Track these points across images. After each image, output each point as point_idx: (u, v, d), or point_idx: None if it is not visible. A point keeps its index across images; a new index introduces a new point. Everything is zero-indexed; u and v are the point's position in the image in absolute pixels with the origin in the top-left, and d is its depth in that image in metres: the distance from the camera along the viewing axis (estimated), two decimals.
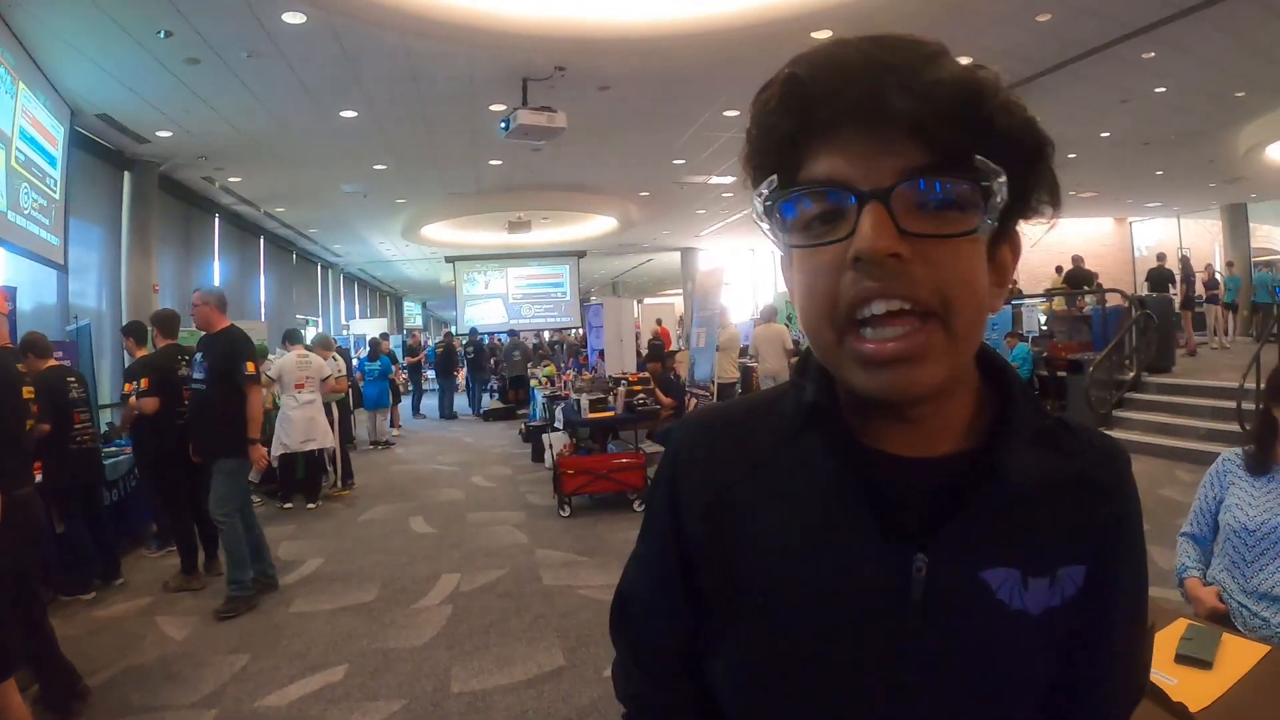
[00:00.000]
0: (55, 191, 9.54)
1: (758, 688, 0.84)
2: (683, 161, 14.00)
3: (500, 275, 23.87)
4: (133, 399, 6.62)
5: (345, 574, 6.76)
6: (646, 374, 10.80)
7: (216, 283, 16.14)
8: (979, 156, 0.67)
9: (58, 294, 10.66)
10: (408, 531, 8.14)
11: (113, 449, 7.99)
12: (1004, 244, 0.77)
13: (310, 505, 9.38)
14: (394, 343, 20.66)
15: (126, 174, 12.31)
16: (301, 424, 8.93)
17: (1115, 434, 9.98)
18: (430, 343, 25.98)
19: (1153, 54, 9.55)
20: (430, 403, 20.61)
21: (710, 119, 11.26)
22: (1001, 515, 0.78)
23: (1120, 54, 9.46)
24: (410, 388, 20.56)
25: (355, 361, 15.49)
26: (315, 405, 9.07)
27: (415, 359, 20.76)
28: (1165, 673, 2.11)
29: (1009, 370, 0.85)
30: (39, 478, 5.23)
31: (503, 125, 9.66)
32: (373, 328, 23.04)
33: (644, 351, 13.87)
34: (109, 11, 7.54)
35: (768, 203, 0.75)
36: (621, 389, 9.52)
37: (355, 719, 4.30)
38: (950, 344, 0.71)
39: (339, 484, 10.12)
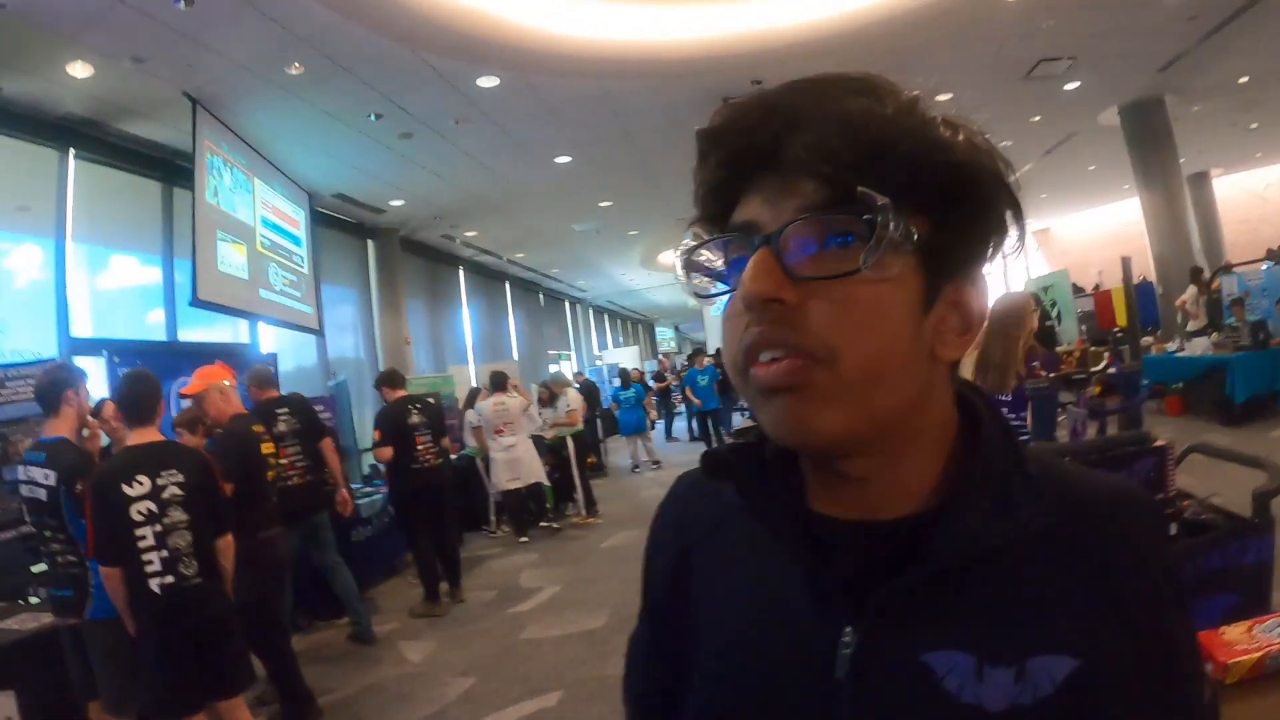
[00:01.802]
0: (303, 266, 10.63)
1: None
2: None
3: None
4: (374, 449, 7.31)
5: (579, 601, 6.95)
6: None
7: (466, 329, 17.35)
8: (861, 189, 0.63)
9: (318, 355, 11.79)
10: None
11: (369, 489, 8.77)
12: (953, 282, 0.69)
13: (544, 525, 9.84)
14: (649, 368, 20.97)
15: (370, 241, 13.56)
16: (506, 465, 9.33)
17: None
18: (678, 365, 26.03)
19: None
20: (680, 425, 20.55)
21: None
22: (950, 588, 0.68)
23: None
24: (661, 414, 20.46)
25: (609, 390, 15.82)
26: (519, 447, 9.41)
27: (664, 384, 20.63)
28: None
29: (987, 419, 0.74)
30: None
31: None
32: (625, 357, 23.68)
33: None
34: (321, 106, 8.43)
35: (684, 255, 0.77)
36: None
37: None
38: (844, 390, 0.65)
39: (584, 512, 10.39)
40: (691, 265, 0.77)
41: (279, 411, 6.16)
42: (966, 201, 0.67)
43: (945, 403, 0.74)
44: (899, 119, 0.66)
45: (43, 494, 3.80)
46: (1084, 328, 15.49)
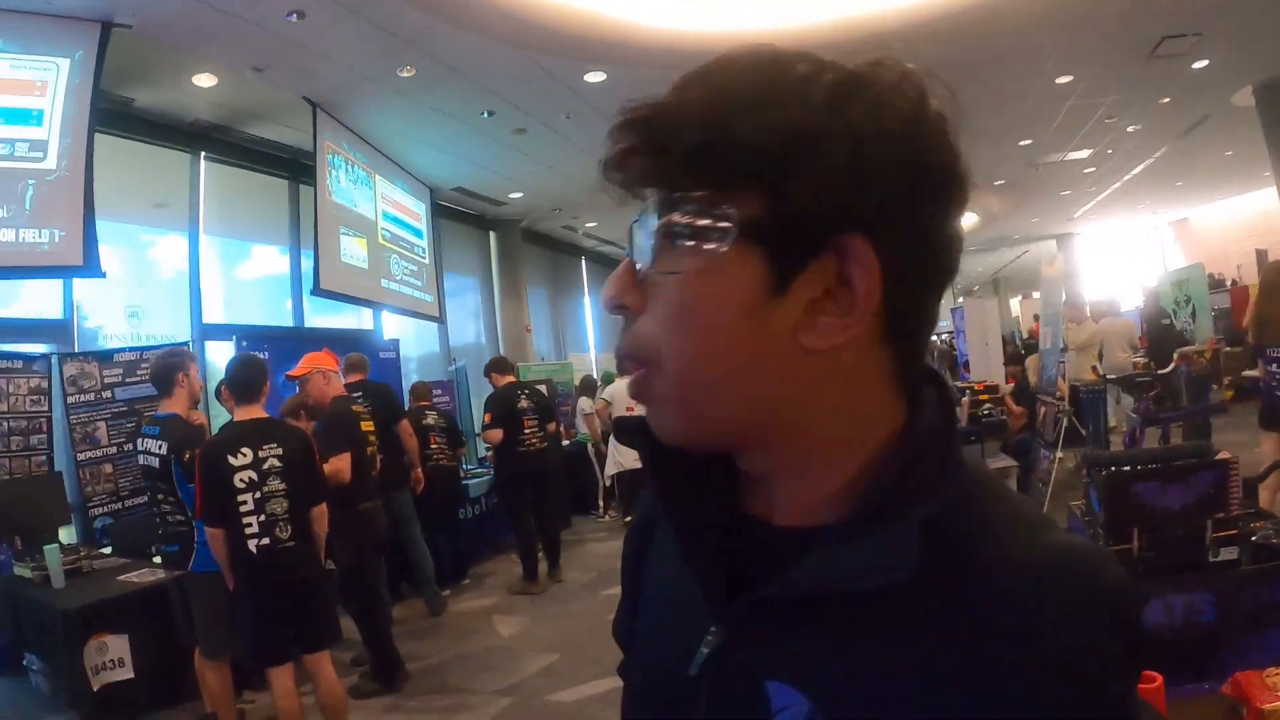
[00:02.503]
0: (424, 257, 11.08)
1: None
2: (1030, 141, 12.88)
3: None
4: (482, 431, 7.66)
5: None
6: (994, 382, 10.03)
7: (588, 318, 17.73)
8: (681, 208, 0.61)
9: (439, 341, 12.24)
10: None
11: (480, 470, 9.13)
12: (818, 259, 0.60)
13: None
14: None
15: (491, 233, 13.95)
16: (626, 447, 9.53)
17: None
18: None
19: None
20: None
21: (1042, 90, 10.30)
22: (809, 618, 0.62)
23: None
24: None
25: None
26: None
27: None
28: None
29: (917, 427, 0.65)
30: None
31: None
32: None
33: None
34: (434, 106, 8.75)
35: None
36: (965, 400, 8.87)
37: None
38: (672, 394, 0.64)
39: None
40: None
41: (354, 395, 6.43)
42: (798, 168, 0.58)
43: (860, 400, 0.64)
44: (721, 98, 0.61)
45: (155, 462, 4.33)
46: (1220, 326, 14.47)
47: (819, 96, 0.59)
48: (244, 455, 3.87)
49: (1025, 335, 18.32)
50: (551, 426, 7.85)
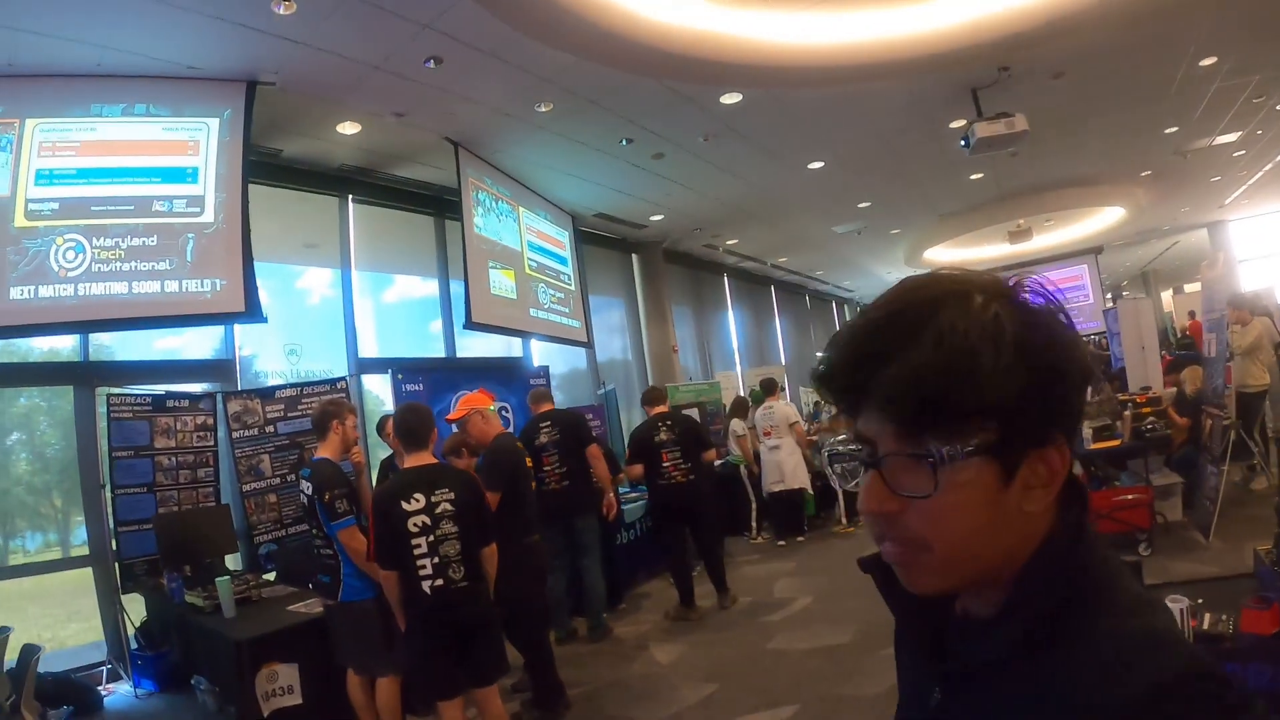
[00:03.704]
0: (570, 284, 11.08)
1: None
2: (1175, 129, 11.93)
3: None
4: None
5: (829, 615, 6.73)
6: (1156, 393, 9.18)
7: (733, 334, 17.44)
8: (930, 438, 0.79)
9: (587, 364, 12.23)
10: None
11: (634, 494, 9.01)
12: (1029, 461, 0.81)
13: (799, 538, 9.62)
14: None
15: (634, 255, 13.88)
16: (771, 467, 9.42)
17: None
18: None
19: None
20: None
21: (1187, 74, 9.48)
22: (984, 678, 0.84)
23: None
24: None
25: None
26: (783, 450, 9.37)
27: None
28: None
29: (1052, 547, 0.84)
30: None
31: (963, 143, 9.02)
32: None
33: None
34: (574, 137, 8.76)
35: (829, 454, 0.96)
36: (1128, 414, 8.11)
37: None
38: (940, 567, 0.83)
39: (845, 520, 10.02)
40: (835, 459, 0.96)
41: (542, 425, 6.66)
42: (1026, 407, 0.78)
43: (1038, 531, 0.84)
44: (952, 362, 0.77)
45: (306, 501, 4.56)
46: None
47: (1026, 337, 0.79)
48: (416, 501, 3.95)
49: (1179, 333, 16.99)
50: (708, 455, 7.63)
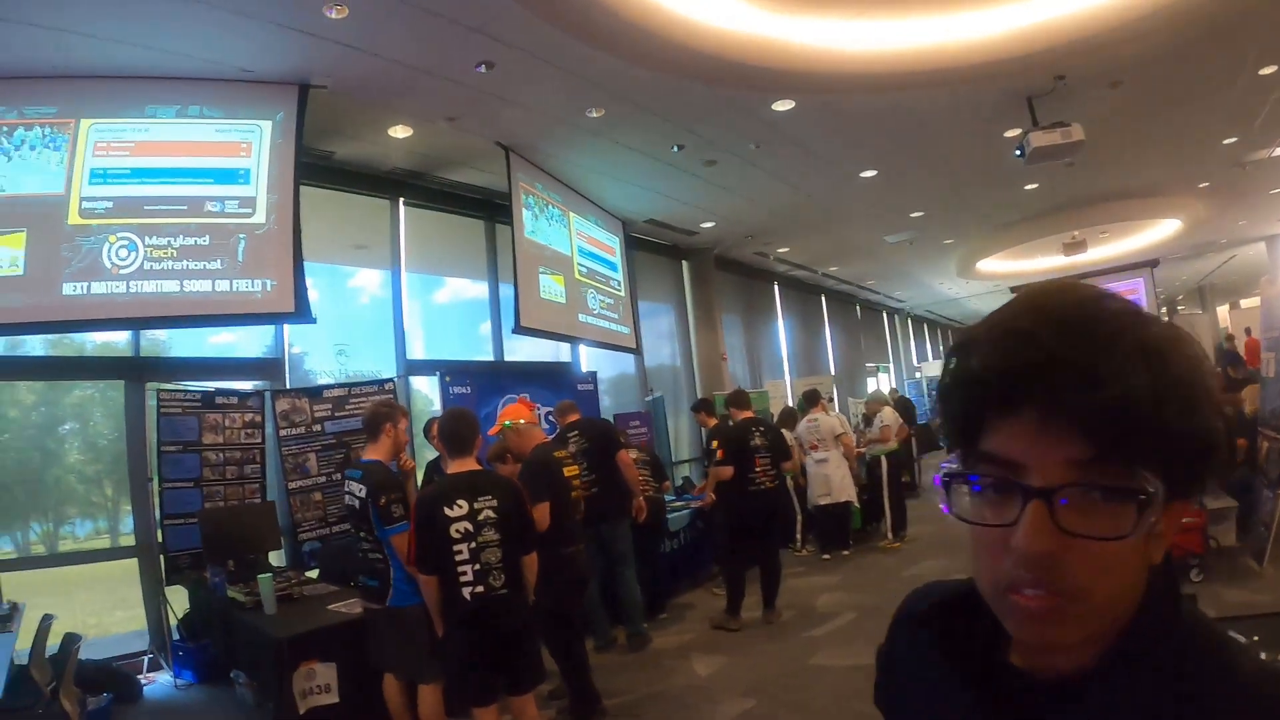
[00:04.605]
0: (620, 290, 10.96)
1: None
2: (1234, 139, 11.44)
3: None
4: (710, 465, 7.45)
5: (873, 631, 6.43)
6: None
7: (782, 343, 17.21)
8: (1143, 471, 0.68)
9: (635, 370, 12.11)
10: None
11: (679, 503, 8.85)
12: (1174, 508, 0.73)
13: (844, 552, 9.38)
14: None
15: (684, 262, 13.72)
16: (818, 480, 9.17)
17: None
18: None
19: None
20: None
21: (1246, 83, 9.09)
22: None
23: None
24: None
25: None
26: (830, 463, 9.16)
27: None
28: None
29: (1151, 600, 0.76)
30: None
31: (1018, 152, 8.78)
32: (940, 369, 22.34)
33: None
34: (624, 143, 8.64)
35: (946, 477, 0.78)
36: None
37: None
38: (1088, 617, 0.72)
39: (890, 535, 9.80)
40: (950, 487, 0.78)
41: (570, 435, 6.57)
42: (1211, 451, 0.72)
43: (1144, 580, 0.76)
44: (1183, 391, 0.69)
45: (356, 503, 4.43)
46: None
47: (1197, 378, 0.71)
48: (459, 507, 3.89)
49: (1225, 348, 16.39)
50: (788, 465, 7.53)
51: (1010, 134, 9.40)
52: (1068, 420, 0.68)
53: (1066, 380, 0.68)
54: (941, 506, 0.78)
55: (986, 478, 0.74)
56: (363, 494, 4.34)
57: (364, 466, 4.46)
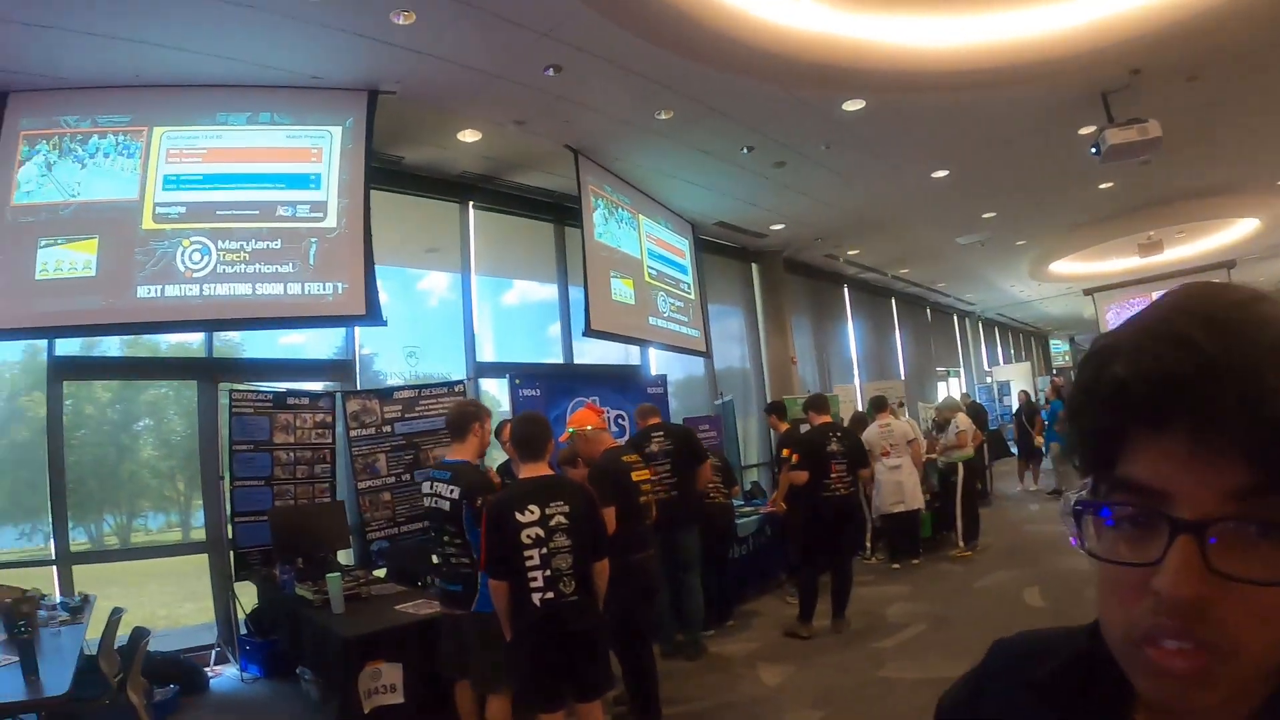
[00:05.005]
0: (690, 293, 10.80)
1: None
2: None
3: (1144, 303, 20.47)
4: (784, 470, 7.29)
5: (944, 643, 6.28)
6: None
7: (852, 347, 16.85)
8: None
9: (704, 373, 11.94)
10: (1018, 603, 7.28)
11: (748, 508, 8.68)
12: None
13: (914, 561, 9.08)
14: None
15: (754, 265, 13.49)
16: (890, 488, 8.79)
17: None
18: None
19: None
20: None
21: None
22: None
23: None
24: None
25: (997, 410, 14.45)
26: (902, 470, 8.84)
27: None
28: None
29: None
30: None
31: (1093, 150, 8.37)
32: (1015, 374, 21.66)
33: None
34: (694, 145, 8.47)
35: (1077, 507, 0.66)
36: None
37: None
38: (1236, 677, 0.59)
39: (962, 544, 9.45)
40: (1082, 518, 0.65)
41: (654, 435, 6.45)
42: None
43: None
44: None
45: (446, 505, 4.29)
46: None
47: None
48: (531, 512, 3.78)
49: None
50: (864, 472, 7.28)
51: (1085, 131, 9.00)
52: (1228, 440, 0.56)
53: (1228, 391, 0.56)
54: (1071, 540, 0.66)
55: (1124, 508, 0.62)
56: (454, 494, 4.23)
57: (453, 467, 4.35)
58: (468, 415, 4.47)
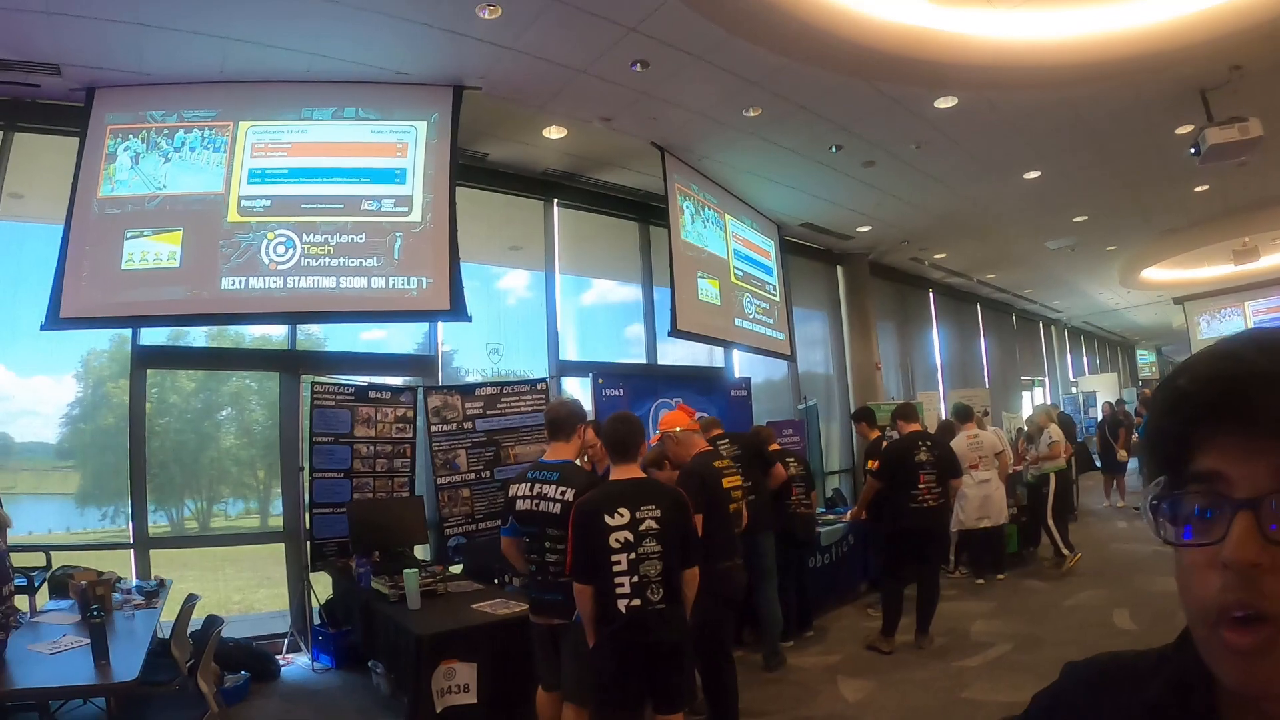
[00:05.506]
0: (775, 295, 10.50)
1: None
2: None
3: (1236, 311, 19.08)
4: (867, 478, 7.04)
5: (1030, 664, 5.88)
6: None
7: (936, 353, 16.27)
8: None
9: (787, 376, 11.63)
10: (1107, 624, 6.82)
11: (830, 515, 8.38)
12: None
13: (999, 576, 8.60)
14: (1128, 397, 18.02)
15: (839, 267, 13.07)
16: (976, 501, 8.30)
17: None
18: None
19: None
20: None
21: None
22: None
23: None
24: None
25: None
26: (990, 484, 8.37)
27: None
28: None
29: None
30: None
31: (1192, 150, 7.84)
32: (1101, 385, 20.68)
33: None
34: (781, 143, 8.16)
35: (1154, 501, 0.71)
36: None
37: None
38: None
39: (1067, 552, 8.88)
40: (1159, 511, 0.71)
41: (720, 443, 6.16)
42: None
43: None
44: None
45: (556, 508, 3.97)
46: None
47: None
48: (621, 515, 3.60)
49: None
50: (956, 483, 6.91)
51: (1182, 130, 8.44)
52: (1271, 431, 0.63)
53: (1271, 393, 0.63)
54: (1153, 534, 0.72)
55: (1194, 497, 0.68)
56: (565, 496, 3.94)
57: (560, 468, 4.09)
58: (575, 416, 4.27)
